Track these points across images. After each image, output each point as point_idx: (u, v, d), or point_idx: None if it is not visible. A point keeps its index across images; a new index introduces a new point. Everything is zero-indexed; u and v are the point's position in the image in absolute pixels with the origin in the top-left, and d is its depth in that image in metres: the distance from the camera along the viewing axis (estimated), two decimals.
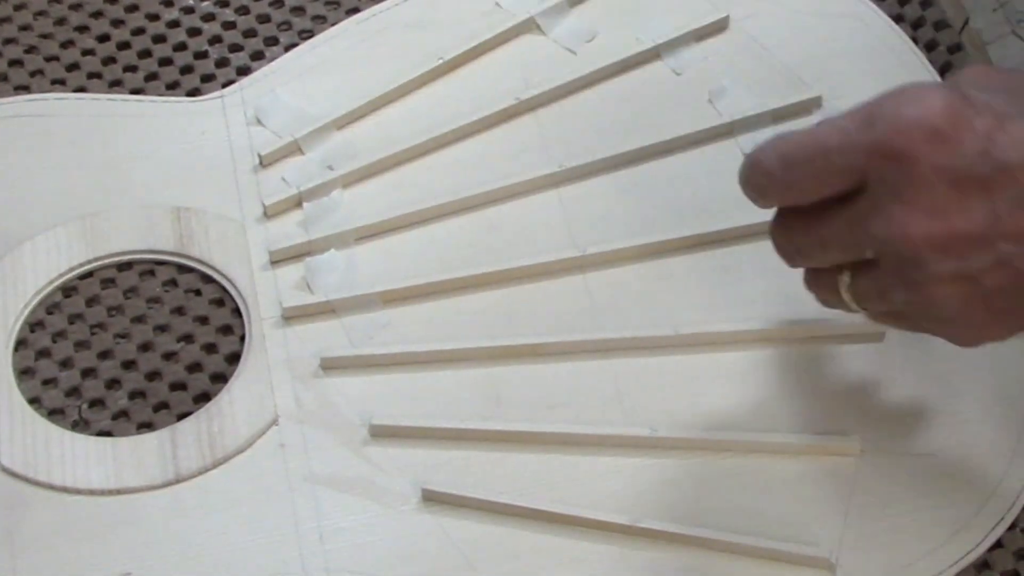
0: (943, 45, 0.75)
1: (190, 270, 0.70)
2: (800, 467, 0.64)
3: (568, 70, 0.75)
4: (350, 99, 0.74)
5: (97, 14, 0.78)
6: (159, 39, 0.78)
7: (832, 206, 0.58)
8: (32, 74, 0.76)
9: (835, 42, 0.75)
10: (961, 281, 0.56)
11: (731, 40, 0.76)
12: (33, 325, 0.69)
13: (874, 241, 0.57)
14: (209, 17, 0.78)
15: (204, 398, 0.67)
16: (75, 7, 0.79)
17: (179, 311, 0.69)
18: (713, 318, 0.67)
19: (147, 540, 0.62)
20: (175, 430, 0.65)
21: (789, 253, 0.61)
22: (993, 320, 0.58)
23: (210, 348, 0.68)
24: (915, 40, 0.75)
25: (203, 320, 0.69)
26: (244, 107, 0.75)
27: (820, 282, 0.61)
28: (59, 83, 0.76)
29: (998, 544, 0.62)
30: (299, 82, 0.75)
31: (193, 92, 0.76)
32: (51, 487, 0.64)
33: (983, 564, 0.62)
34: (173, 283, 0.70)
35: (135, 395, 0.67)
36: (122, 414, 0.67)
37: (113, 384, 0.67)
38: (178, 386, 0.67)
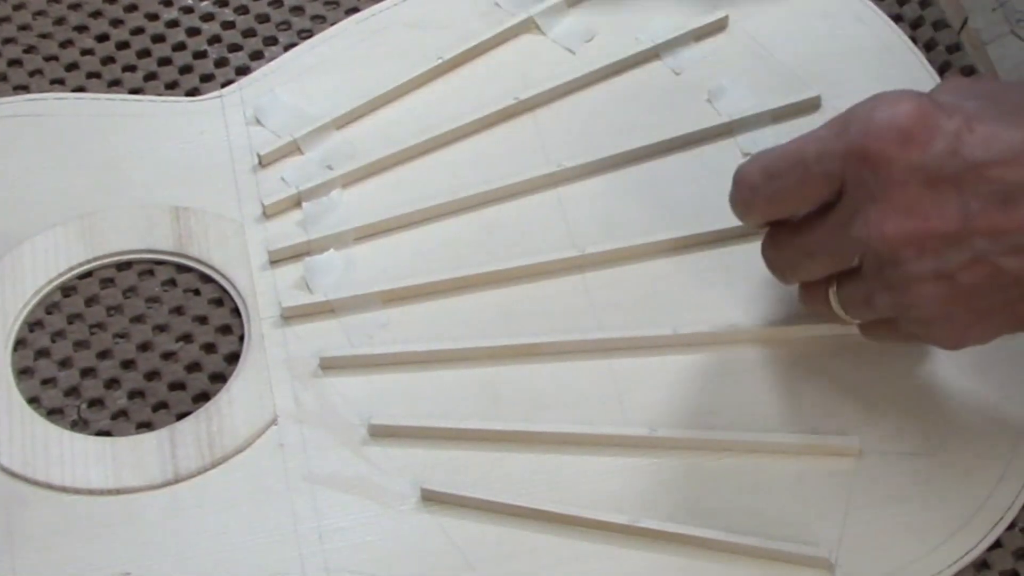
0: (942, 45, 0.75)
1: (189, 270, 0.70)
2: (799, 467, 0.64)
3: (567, 70, 0.75)
4: (349, 99, 0.74)
5: (96, 14, 0.78)
6: (158, 39, 0.78)
7: (815, 216, 0.60)
8: (31, 74, 0.76)
9: (834, 42, 0.75)
10: (939, 279, 0.58)
11: (730, 40, 0.76)
12: (32, 325, 0.69)
13: (855, 243, 0.59)
14: (208, 17, 0.78)
15: (203, 398, 0.67)
16: (74, 7, 0.79)
17: (178, 311, 0.69)
18: (712, 318, 0.67)
19: (146, 540, 0.62)
20: (174, 430, 0.65)
21: (780, 269, 0.63)
22: (974, 319, 0.59)
23: (209, 348, 0.68)
24: (914, 40, 0.75)
25: (202, 320, 0.69)
26: (243, 107, 0.75)
27: (812, 296, 0.63)
28: (58, 83, 0.76)
29: (997, 544, 0.62)
30: (298, 82, 0.75)
31: (192, 92, 0.76)
32: (50, 487, 0.64)
33: (982, 564, 0.62)
34: (172, 283, 0.70)
35: (134, 395, 0.67)
36: (121, 414, 0.67)
37: (112, 384, 0.67)
38: (177, 386, 0.67)
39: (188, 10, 0.78)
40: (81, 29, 0.78)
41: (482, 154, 0.73)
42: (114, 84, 0.76)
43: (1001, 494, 0.63)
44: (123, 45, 0.77)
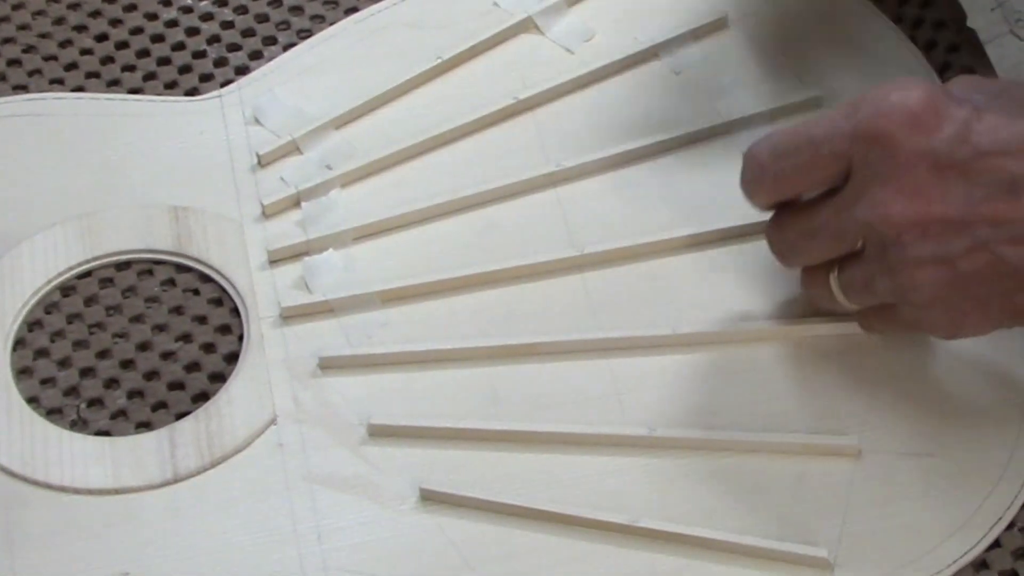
0: (942, 45, 0.75)
1: (188, 270, 0.70)
2: (799, 467, 0.64)
3: (566, 70, 0.75)
4: (348, 99, 0.74)
5: (95, 13, 0.78)
6: (157, 38, 0.78)
7: (821, 198, 0.61)
8: (30, 73, 0.76)
9: (834, 42, 0.75)
10: (940, 264, 0.58)
11: (730, 40, 0.76)
12: (31, 324, 0.69)
13: (859, 225, 0.59)
14: (207, 16, 0.78)
15: (202, 398, 0.67)
16: (73, 6, 0.79)
17: (177, 311, 0.69)
18: (711, 317, 0.67)
19: (145, 539, 0.62)
20: (173, 430, 0.65)
21: (783, 251, 0.64)
22: (972, 307, 0.60)
23: (208, 348, 0.68)
24: (914, 40, 0.76)
25: (201, 320, 0.69)
26: (242, 106, 0.75)
27: (813, 280, 0.64)
28: (57, 82, 0.76)
29: (996, 544, 0.62)
30: (297, 82, 0.75)
31: (191, 91, 0.76)
32: (49, 486, 0.64)
33: (981, 564, 0.62)
34: (171, 283, 0.70)
35: (133, 395, 0.67)
36: (120, 414, 0.67)
37: (111, 384, 0.67)
38: (176, 386, 0.67)
39: (187, 10, 0.78)
40: (80, 29, 0.78)
41: (481, 154, 0.73)
42: (113, 84, 0.76)
43: (1000, 494, 0.63)
44: (122, 45, 0.77)
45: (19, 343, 0.68)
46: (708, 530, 0.62)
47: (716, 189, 0.71)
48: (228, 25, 0.78)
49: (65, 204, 0.71)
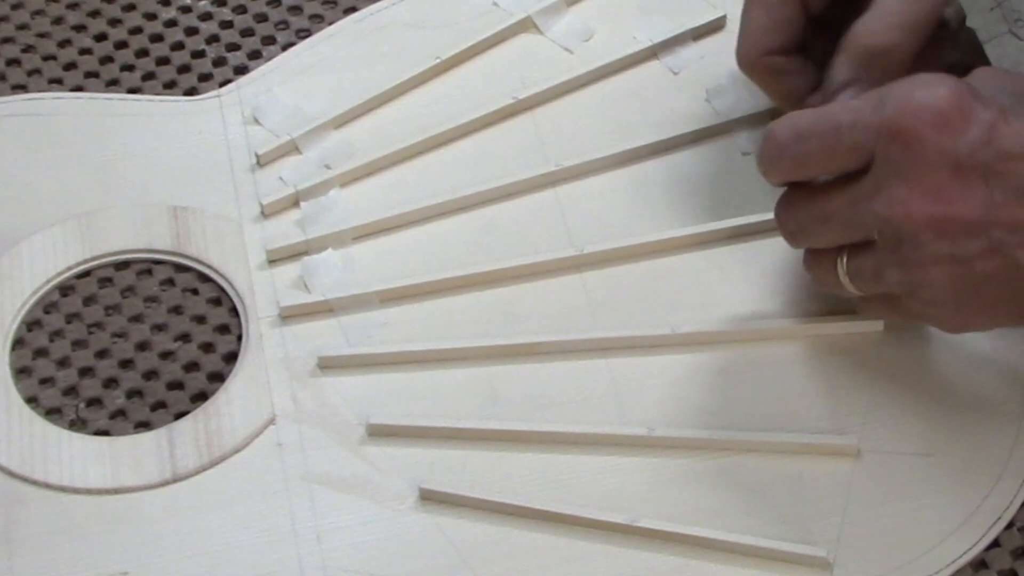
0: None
1: (187, 269, 0.70)
2: (798, 466, 0.64)
3: (565, 69, 0.75)
4: (347, 98, 0.74)
5: (95, 13, 0.78)
6: (156, 38, 0.78)
7: (837, 184, 0.60)
8: (29, 73, 0.76)
9: None
10: (954, 263, 0.58)
11: (728, 39, 0.75)
12: (30, 324, 0.69)
13: (875, 219, 0.59)
14: (206, 16, 0.78)
15: (201, 397, 0.67)
16: (72, 6, 0.79)
17: (176, 310, 0.69)
18: (711, 317, 0.67)
19: (144, 539, 0.62)
20: (172, 429, 0.65)
21: (792, 231, 0.63)
22: (981, 306, 0.60)
23: (207, 347, 0.68)
24: None
25: (200, 319, 0.69)
26: (241, 106, 0.75)
27: (818, 262, 0.63)
28: (56, 82, 0.76)
29: (995, 543, 0.62)
30: (296, 81, 0.75)
31: (190, 91, 0.76)
32: (48, 486, 0.64)
33: (980, 563, 0.62)
34: (170, 282, 0.70)
35: (132, 394, 0.67)
36: (119, 413, 0.67)
37: (110, 383, 0.67)
38: (175, 385, 0.67)
39: (186, 9, 0.78)
40: (79, 28, 0.78)
41: (480, 153, 0.73)
42: (112, 83, 0.76)
43: (999, 494, 0.63)
44: (121, 44, 0.77)
45: (18, 343, 0.68)
46: (707, 530, 0.62)
47: (715, 189, 0.71)
48: (227, 25, 0.78)
49: (64, 204, 0.71)
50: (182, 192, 0.72)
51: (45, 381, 0.67)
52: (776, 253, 0.68)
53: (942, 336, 0.65)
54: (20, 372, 0.67)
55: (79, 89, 0.76)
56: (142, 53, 0.77)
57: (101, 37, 0.78)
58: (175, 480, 0.64)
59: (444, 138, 0.73)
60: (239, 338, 0.68)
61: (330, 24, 0.78)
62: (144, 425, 0.66)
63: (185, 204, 0.71)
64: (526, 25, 0.77)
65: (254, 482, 0.64)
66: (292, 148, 0.73)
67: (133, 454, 0.64)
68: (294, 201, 0.71)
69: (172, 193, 0.72)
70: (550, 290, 0.69)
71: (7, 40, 0.77)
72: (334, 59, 0.76)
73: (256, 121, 0.74)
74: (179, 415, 0.66)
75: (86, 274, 0.70)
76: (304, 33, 0.78)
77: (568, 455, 0.64)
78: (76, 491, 0.64)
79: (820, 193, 0.61)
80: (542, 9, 0.77)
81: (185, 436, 0.65)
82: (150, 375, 0.67)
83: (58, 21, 0.78)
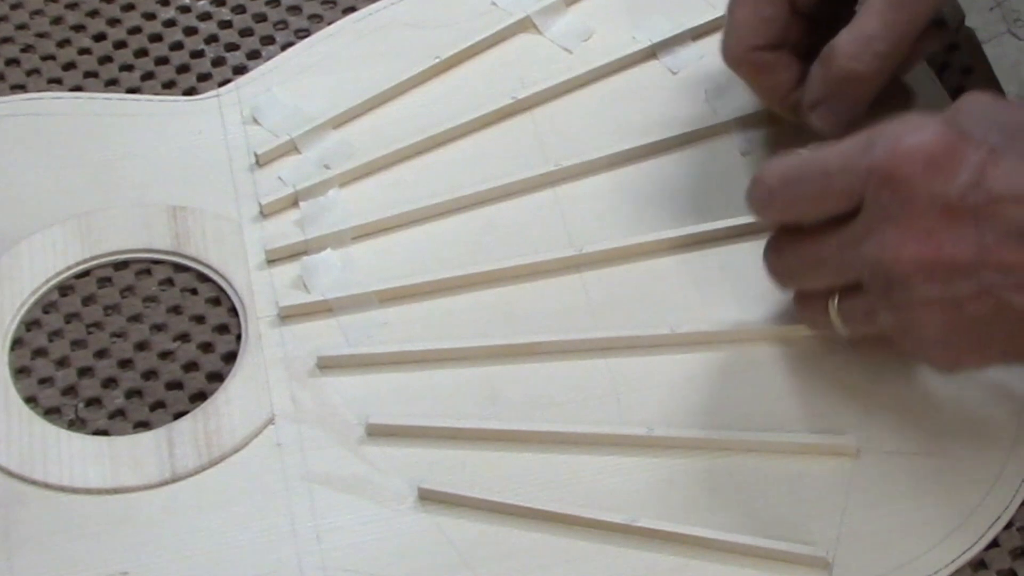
0: (942, 42, 0.75)
1: (186, 269, 0.70)
2: (797, 466, 0.64)
3: (564, 69, 0.75)
4: (347, 98, 0.74)
5: (94, 13, 0.78)
6: (155, 38, 0.78)
7: (826, 228, 0.60)
8: (28, 73, 0.76)
9: None
10: (945, 306, 0.58)
11: None
12: (29, 324, 0.69)
13: (865, 262, 0.59)
14: (206, 16, 0.78)
15: (200, 397, 0.67)
16: (71, 6, 0.79)
17: (175, 310, 0.69)
18: (710, 317, 0.67)
19: (143, 539, 0.62)
20: (171, 429, 0.65)
21: (781, 274, 0.64)
22: (973, 347, 0.60)
23: (206, 347, 0.68)
24: None
25: (199, 319, 0.69)
26: (240, 106, 0.75)
27: (809, 305, 0.63)
28: (55, 82, 0.76)
29: (994, 543, 0.62)
30: (296, 81, 0.75)
31: (189, 91, 0.76)
32: (47, 486, 0.64)
33: (979, 563, 0.62)
34: (169, 282, 0.70)
35: (132, 394, 0.67)
36: (118, 413, 0.66)
37: (110, 383, 0.67)
38: (174, 385, 0.67)
39: (185, 9, 0.79)
40: (78, 28, 0.78)
41: (479, 153, 0.73)
42: (111, 83, 0.76)
43: (998, 493, 0.63)
44: (120, 44, 0.77)
45: (17, 342, 0.68)
46: (706, 530, 0.62)
47: (714, 189, 0.71)
48: (226, 24, 0.78)
49: (63, 204, 0.71)
50: (181, 192, 0.72)
51: (44, 381, 0.67)
52: None
53: None
54: (19, 372, 0.67)
55: (78, 89, 0.76)
56: (141, 53, 0.77)
57: (100, 37, 0.78)
58: (174, 480, 0.64)
59: (443, 138, 0.73)
60: (238, 338, 0.68)
61: (329, 24, 0.78)
62: (143, 425, 0.66)
63: (184, 204, 0.71)
64: (525, 25, 0.77)
65: (253, 482, 0.64)
66: (291, 148, 0.73)
67: (132, 454, 0.64)
68: (293, 201, 0.71)
69: (171, 193, 0.72)
70: (549, 290, 0.69)
71: (6, 40, 0.77)
72: (333, 59, 0.76)
73: (255, 121, 0.74)
74: (178, 415, 0.66)
75: (85, 274, 0.70)
76: (303, 33, 0.78)
77: (568, 455, 0.64)
78: (75, 491, 0.64)
79: (809, 237, 0.61)
80: (541, 9, 0.77)
81: (184, 436, 0.65)
82: (149, 375, 0.67)
83: (57, 21, 0.78)
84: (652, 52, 0.76)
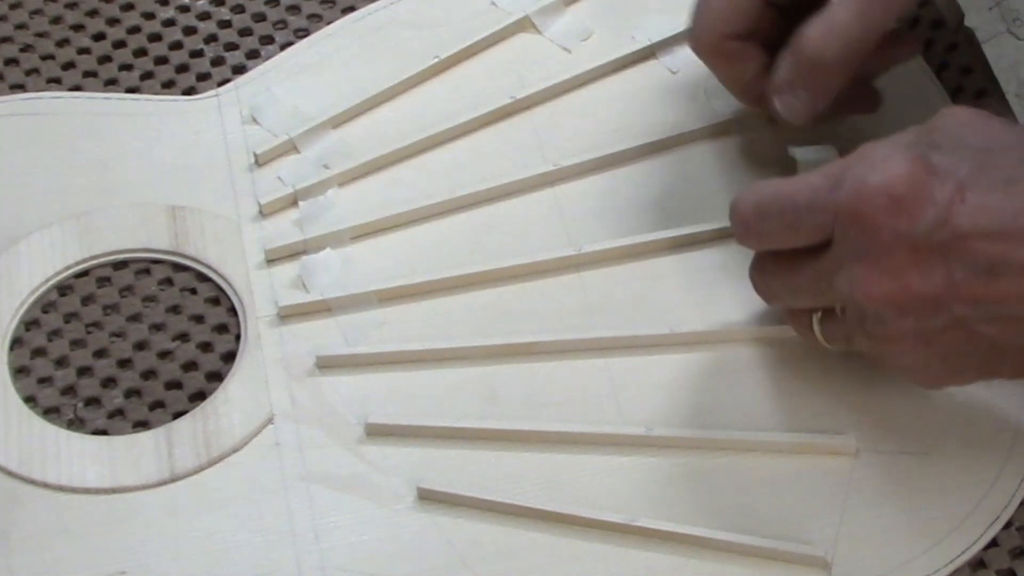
0: (939, 44, 0.75)
1: (186, 269, 0.70)
2: (796, 466, 0.64)
3: (563, 69, 0.75)
4: (346, 98, 0.74)
5: (93, 12, 0.78)
6: (155, 38, 0.78)
7: (804, 256, 0.61)
8: (28, 73, 0.76)
9: None
10: (918, 338, 0.59)
11: None
12: (28, 324, 0.69)
13: (838, 295, 0.60)
14: (205, 16, 0.78)
15: (199, 397, 0.67)
16: (71, 6, 0.79)
17: (175, 310, 0.69)
18: (709, 317, 0.67)
19: (142, 539, 0.62)
20: (171, 429, 0.65)
21: (765, 294, 0.65)
22: (949, 372, 0.61)
23: (206, 347, 0.68)
24: None
25: (199, 319, 0.69)
26: (240, 106, 0.75)
27: (795, 320, 0.64)
28: (55, 82, 0.76)
29: (993, 543, 0.62)
30: (295, 81, 0.75)
31: (189, 91, 0.76)
32: (46, 486, 0.64)
33: (978, 563, 0.62)
34: (169, 282, 0.70)
35: (131, 394, 0.67)
36: (118, 413, 0.66)
37: (109, 383, 0.67)
38: (174, 385, 0.67)
39: (185, 9, 0.78)
40: (78, 28, 0.78)
41: (478, 153, 0.73)
42: (111, 83, 0.76)
43: (997, 493, 0.63)
44: (120, 44, 0.77)
45: (16, 342, 0.68)
46: (705, 529, 0.62)
47: (713, 188, 0.71)
48: (225, 24, 0.78)
49: (62, 203, 0.71)
50: (180, 192, 0.72)
51: (43, 380, 0.67)
52: None
53: None
54: (18, 371, 0.67)
55: (77, 88, 0.76)
56: (140, 52, 0.77)
57: (99, 36, 0.78)
58: (173, 480, 0.64)
59: (442, 137, 0.73)
60: (237, 337, 0.68)
61: (328, 23, 0.78)
62: (142, 424, 0.66)
63: (183, 204, 0.71)
64: (524, 25, 0.77)
65: (252, 482, 0.64)
66: (290, 147, 0.73)
67: (131, 454, 0.64)
68: (292, 200, 0.71)
69: (170, 193, 0.72)
70: (548, 289, 0.69)
71: (5, 39, 0.77)
72: (332, 58, 0.76)
73: (254, 120, 0.74)
74: (177, 415, 0.66)
75: (84, 273, 0.70)
76: (302, 32, 0.78)
77: (566, 455, 0.64)
78: (74, 491, 0.64)
79: (788, 263, 0.62)
80: (540, 8, 0.77)
81: (183, 436, 0.65)
82: (148, 374, 0.67)
83: (56, 20, 0.78)
84: (651, 52, 0.76)
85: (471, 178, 0.72)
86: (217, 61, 0.77)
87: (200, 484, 0.64)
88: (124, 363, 0.68)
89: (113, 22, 0.78)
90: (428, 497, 0.63)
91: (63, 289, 0.70)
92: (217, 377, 0.67)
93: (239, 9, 0.79)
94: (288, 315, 0.68)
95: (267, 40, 0.78)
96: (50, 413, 0.66)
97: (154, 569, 0.62)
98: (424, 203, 0.71)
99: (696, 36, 0.69)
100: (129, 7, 0.79)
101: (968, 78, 0.75)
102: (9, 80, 0.76)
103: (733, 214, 0.62)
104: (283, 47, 0.77)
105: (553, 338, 0.67)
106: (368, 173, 0.72)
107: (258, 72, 0.76)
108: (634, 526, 0.62)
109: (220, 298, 0.69)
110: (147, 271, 0.70)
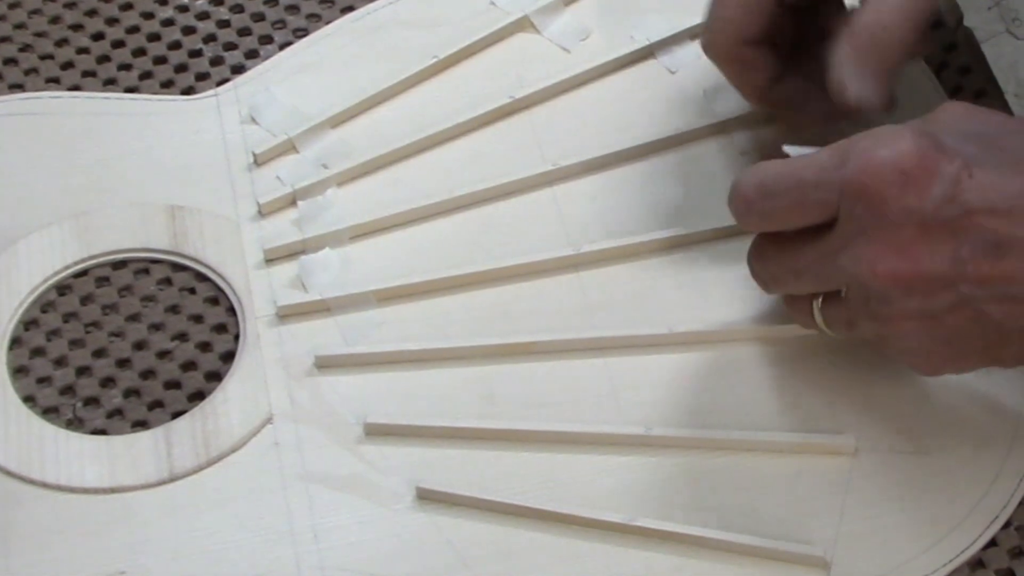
0: (938, 44, 0.75)
1: (184, 268, 0.70)
2: (795, 466, 0.64)
3: (562, 68, 0.75)
4: (345, 97, 0.74)
5: (92, 12, 0.78)
6: (153, 37, 0.78)
7: (806, 237, 0.60)
8: (27, 72, 0.76)
9: None
10: (923, 318, 0.58)
11: None
12: (27, 323, 0.69)
13: (843, 275, 0.59)
14: (204, 15, 0.78)
15: (198, 396, 0.67)
16: (70, 5, 0.79)
17: (173, 309, 0.69)
18: (708, 316, 0.67)
19: (141, 538, 0.62)
20: (169, 429, 0.65)
21: (764, 280, 0.64)
22: (953, 355, 0.60)
23: (204, 347, 0.68)
24: None
25: (197, 319, 0.69)
26: (239, 105, 0.75)
27: (796, 307, 0.64)
28: (54, 81, 0.76)
29: (992, 543, 0.62)
30: (294, 80, 0.75)
31: (188, 90, 0.76)
32: (45, 485, 0.64)
33: (978, 562, 0.62)
34: (167, 281, 0.70)
35: (129, 393, 0.67)
36: (116, 412, 0.66)
37: (107, 382, 0.67)
38: (172, 385, 0.67)
39: (183, 8, 0.79)
40: (77, 27, 0.78)
41: (477, 153, 0.73)
42: (109, 83, 0.76)
43: (996, 493, 0.63)
44: (118, 44, 0.77)
45: (15, 342, 0.68)
46: (704, 529, 0.62)
47: (712, 188, 0.71)
48: (224, 24, 0.78)
49: (61, 203, 0.71)
50: (179, 191, 0.72)
51: (42, 380, 0.67)
52: None
53: None
54: (17, 371, 0.67)
55: (76, 88, 0.76)
56: (139, 52, 0.77)
57: (98, 36, 0.78)
58: (172, 479, 0.64)
59: (441, 137, 0.73)
60: (236, 337, 0.68)
61: (327, 23, 0.78)
62: (141, 424, 0.66)
63: (182, 203, 0.71)
64: (523, 24, 0.77)
65: (251, 481, 0.64)
66: (289, 147, 0.73)
67: (130, 453, 0.64)
68: (291, 200, 0.71)
69: (169, 192, 0.72)
70: (547, 289, 0.69)
71: (4, 39, 0.77)
72: (331, 58, 0.76)
73: (253, 120, 0.74)
74: (176, 414, 0.66)
75: (83, 273, 0.70)
76: (301, 32, 0.78)
77: (565, 454, 0.64)
78: (73, 490, 0.64)
79: (790, 245, 0.61)
80: (539, 8, 0.77)
81: (182, 435, 0.65)
82: (147, 374, 0.67)
83: (55, 20, 0.78)
84: (650, 51, 0.76)
85: (470, 178, 0.72)
86: (216, 61, 0.77)
87: (199, 484, 0.64)
88: (123, 363, 0.68)
89: (112, 22, 0.78)
90: (427, 497, 0.63)
91: (62, 289, 0.70)
92: (216, 377, 0.67)
93: (238, 9, 0.79)
94: (287, 315, 0.68)
95: (266, 40, 0.78)
96: (49, 413, 0.66)
97: (153, 569, 0.62)
98: (423, 203, 0.71)
99: (710, 42, 0.68)
100: (128, 7, 0.79)
101: (967, 78, 0.75)
102: (8, 80, 0.76)
103: (734, 194, 0.61)
104: (282, 47, 0.77)
105: (552, 338, 0.67)
106: (367, 173, 0.72)
107: (257, 72, 0.76)
108: (633, 526, 0.62)
109: (219, 298, 0.69)
110: (146, 271, 0.70)
